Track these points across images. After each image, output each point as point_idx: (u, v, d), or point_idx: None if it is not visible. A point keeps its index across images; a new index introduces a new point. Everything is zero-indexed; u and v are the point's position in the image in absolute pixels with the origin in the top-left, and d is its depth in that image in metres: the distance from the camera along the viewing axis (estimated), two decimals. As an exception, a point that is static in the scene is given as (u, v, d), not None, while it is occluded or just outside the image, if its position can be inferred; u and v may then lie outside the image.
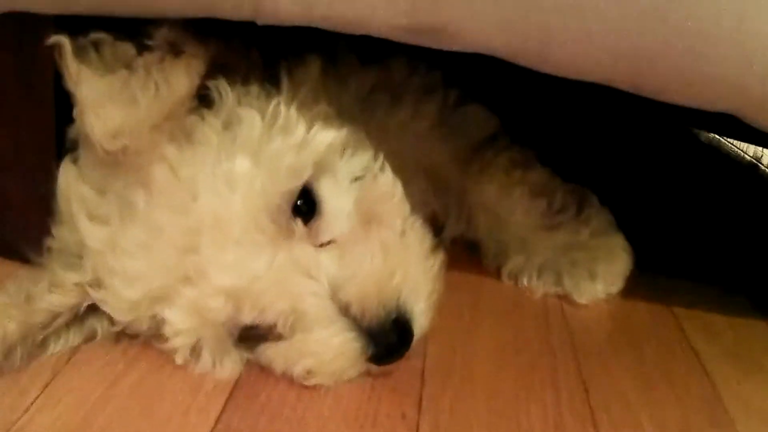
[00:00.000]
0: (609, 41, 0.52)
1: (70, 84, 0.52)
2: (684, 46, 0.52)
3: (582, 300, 0.75)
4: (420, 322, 0.57)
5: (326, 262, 0.54)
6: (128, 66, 0.53)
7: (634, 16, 0.50)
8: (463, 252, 0.81)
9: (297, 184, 0.54)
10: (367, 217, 0.57)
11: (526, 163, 0.80)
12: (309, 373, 0.55)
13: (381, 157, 0.60)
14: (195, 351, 0.55)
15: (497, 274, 0.79)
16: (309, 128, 0.55)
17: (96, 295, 0.55)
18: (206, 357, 0.55)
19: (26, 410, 0.51)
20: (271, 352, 0.56)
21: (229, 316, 0.53)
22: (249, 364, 0.58)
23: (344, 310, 0.53)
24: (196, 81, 0.54)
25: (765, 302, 0.81)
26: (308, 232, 0.55)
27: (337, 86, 0.67)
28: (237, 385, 0.56)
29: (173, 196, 0.51)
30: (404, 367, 0.59)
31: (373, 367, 0.56)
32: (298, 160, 0.53)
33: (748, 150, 1.45)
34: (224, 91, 0.55)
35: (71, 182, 0.56)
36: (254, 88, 0.56)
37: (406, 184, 0.61)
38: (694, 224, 1.03)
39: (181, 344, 0.54)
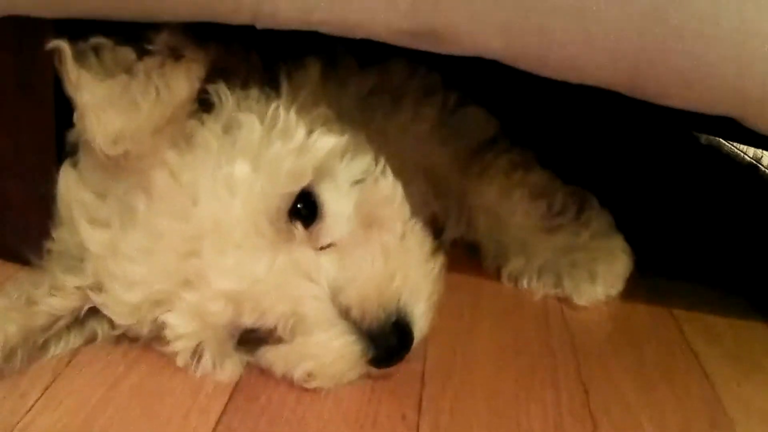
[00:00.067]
0: (609, 42, 0.52)
1: (71, 89, 0.52)
2: (684, 47, 0.52)
3: (582, 301, 0.75)
4: (420, 325, 0.57)
5: (326, 266, 0.54)
6: (128, 70, 0.53)
7: (634, 17, 0.50)
8: (463, 254, 0.81)
9: (297, 188, 0.54)
10: (368, 221, 0.57)
11: (526, 165, 0.80)
12: (309, 376, 0.55)
13: (382, 160, 0.60)
14: (196, 354, 0.55)
15: (497, 275, 0.79)
16: (309, 132, 0.55)
17: (96, 299, 0.55)
18: (207, 360, 0.55)
19: (27, 412, 0.51)
20: (271, 355, 0.56)
21: (230, 320, 0.53)
22: (249, 367, 0.58)
23: (344, 313, 0.53)
24: (197, 85, 0.54)
25: (765, 304, 0.80)
26: (309, 235, 0.55)
27: (337, 89, 0.67)
28: (237, 387, 0.56)
29: (174, 201, 0.52)
30: (404, 369, 0.59)
31: (373, 370, 0.57)
32: (298, 165, 0.53)
33: (748, 151, 1.45)
34: (224, 95, 0.55)
35: (71, 186, 0.56)
36: (254, 92, 0.56)
37: (406, 186, 0.61)
38: (694, 226, 1.03)
39: (182, 347, 0.54)
